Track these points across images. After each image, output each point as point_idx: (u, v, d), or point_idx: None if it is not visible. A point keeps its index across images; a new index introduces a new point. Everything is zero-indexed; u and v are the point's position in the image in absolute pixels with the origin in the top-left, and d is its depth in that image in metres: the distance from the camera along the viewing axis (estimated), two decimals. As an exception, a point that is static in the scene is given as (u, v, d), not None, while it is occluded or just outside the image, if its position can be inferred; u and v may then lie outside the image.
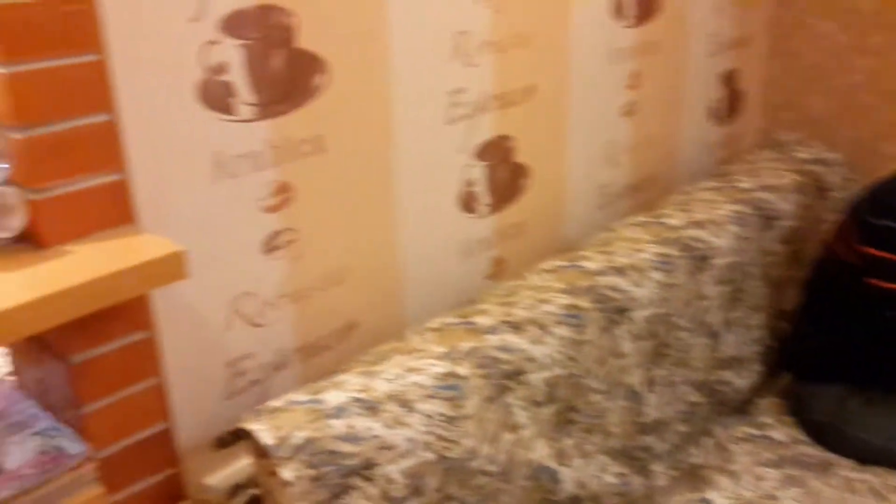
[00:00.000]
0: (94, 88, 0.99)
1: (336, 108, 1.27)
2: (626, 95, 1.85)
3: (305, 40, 1.21)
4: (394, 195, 1.41)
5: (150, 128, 1.07)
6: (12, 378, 1.22)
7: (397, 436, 1.11)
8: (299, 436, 1.05)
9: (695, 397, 1.64)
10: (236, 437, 1.18)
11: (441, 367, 1.20)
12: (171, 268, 0.99)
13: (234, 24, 1.12)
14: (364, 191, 1.36)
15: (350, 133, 1.31)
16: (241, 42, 1.13)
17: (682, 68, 2.01)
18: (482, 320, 1.33)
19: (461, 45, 1.44)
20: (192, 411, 1.22)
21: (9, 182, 0.97)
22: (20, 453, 1.08)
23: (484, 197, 1.59)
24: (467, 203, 1.56)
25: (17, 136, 0.94)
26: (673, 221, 1.72)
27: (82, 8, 0.96)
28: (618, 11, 1.75)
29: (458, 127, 1.49)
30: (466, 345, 1.25)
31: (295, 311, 1.32)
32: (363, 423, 1.09)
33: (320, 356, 1.39)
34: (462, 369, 1.21)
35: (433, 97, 1.43)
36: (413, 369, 1.19)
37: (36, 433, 1.11)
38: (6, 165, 0.94)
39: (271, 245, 1.26)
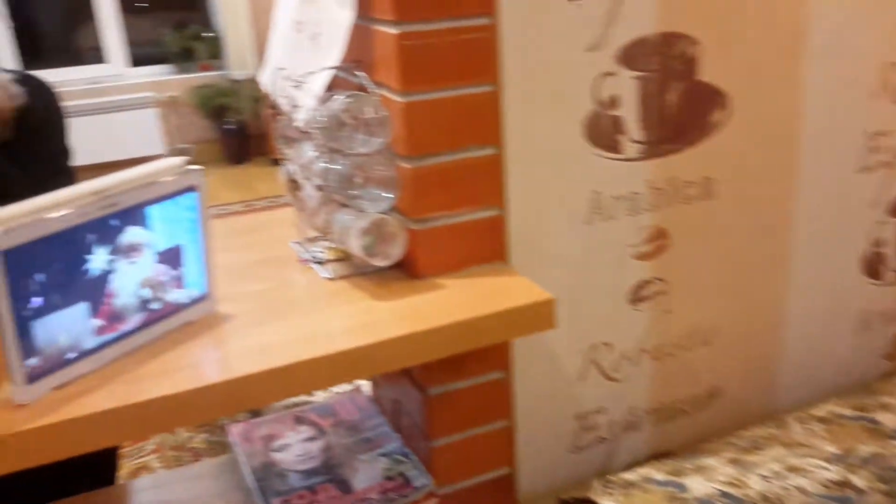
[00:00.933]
0: (486, 120, 0.94)
1: (733, 148, 1.11)
2: None
3: (707, 72, 1.06)
4: (787, 250, 1.20)
5: (533, 162, 1.00)
6: (369, 391, 1.24)
7: (768, 545, 0.93)
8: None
9: None
10: None
11: (831, 473, 0.99)
12: (540, 317, 0.91)
13: (632, 55, 1.01)
14: (752, 243, 1.18)
15: (745, 177, 1.13)
16: (638, 74, 1.02)
17: None
18: (887, 419, 1.08)
19: (891, 79, 1.19)
20: (535, 460, 1.14)
21: (393, 210, 0.96)
22: (368, 473, 1.07)
23: (893, 261, 1.31)
24: (872, 266, 1.29)
25: (407, 165, 0.92)
26: None
27: (483, 36, 0.92)
28: None
29: (873, 176, 1.24)
30: (866, 449, 1.02)
31: (654, 369, 1.19)
32: (728, 522, 0.93)
33: (675, 421, 1.23)
34: (859, 480, 0.98)
35: (848, 139, 1.19)
36: (795, 469, 0.99)
37: (384, 454, 1.11)
38: (392, 194, 0.93)
39: (638, 295, 1.14)
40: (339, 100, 0.90)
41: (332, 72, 0.92)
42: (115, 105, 5.32)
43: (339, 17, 0.92)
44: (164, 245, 0.84)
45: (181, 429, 2.51)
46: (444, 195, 0.94)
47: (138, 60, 5.57)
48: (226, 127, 5.46)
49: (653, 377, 1.19)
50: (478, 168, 0.95)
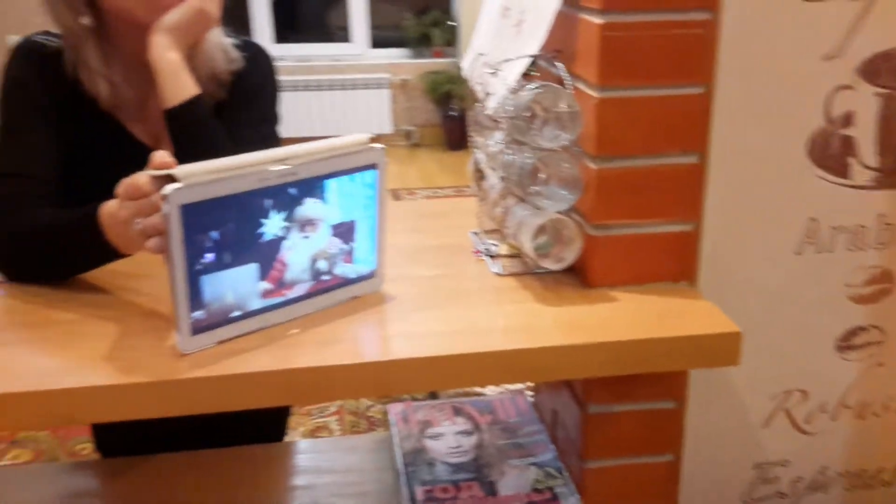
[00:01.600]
0: (691, 125, 0.85)
1: None
2: None
3: (972, 95, 0.89)
4: None
5: (740, 177, 0.90)
6: (531, 395, 1.19)
7: None
8: None
9: None
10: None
11: None
12: (722, 350, 0.82)
13: (876, 68, 0.87)
14: None
15: None
16: (880, 90, 0.88)
17: None
18: None
19: None
20: (700, 502, 1.04)
21: (573, 212, 0.90)
22: (516, 481, 1.03)
23: None
24: None
25: (594, 165, 0.85)
26: None
27: (699, 33, 0.83)
28: None
29: None
30: None
31: (854, 427, 1.03)
32: None
33: (872, 491, 1.07)
34: None
35: None
36: None
37: (536, 464, 1.05)
38: (574, 195, 0.87)
39: (848, 342, 0.99)
40: (531, 90, 0.85)
41: (529, 60, 0.87)
42: (353, 83, 5.61)
43: (546, 2, 0.87)
44: (338, 219, 0.84)
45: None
46: (632, 202, 0.87)
47: (378, 42, 5.84)
48: (449, 113, 5.60)
49: (852, 437, 1.04)
50: (674, 176, 0.87)
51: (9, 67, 1.06)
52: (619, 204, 0.86)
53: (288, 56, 5.54)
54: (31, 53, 1.06)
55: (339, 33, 5.86)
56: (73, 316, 0.86)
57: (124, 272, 0.95)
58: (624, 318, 0.84)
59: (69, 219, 0.91)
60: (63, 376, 0.75)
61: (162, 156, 0.76)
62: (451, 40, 5.78)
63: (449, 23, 5.78)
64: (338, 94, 5.60)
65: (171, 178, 0.71)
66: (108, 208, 0.85)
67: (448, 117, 5.65)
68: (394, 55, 5.83)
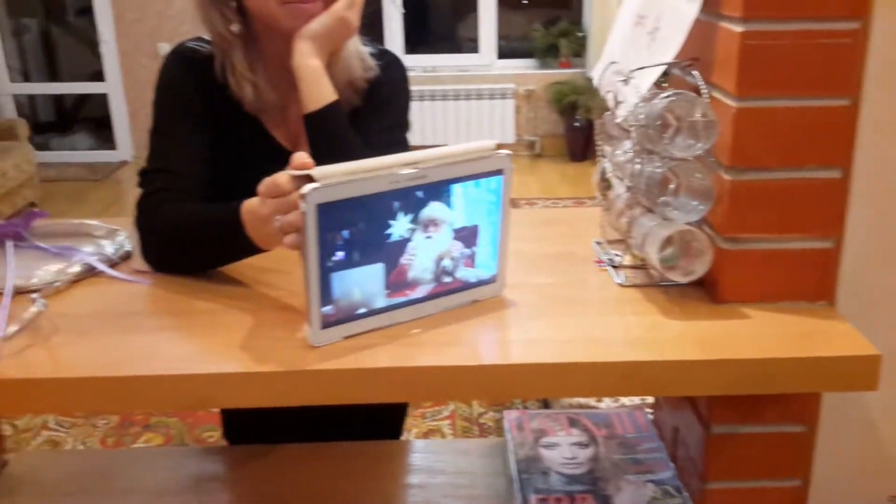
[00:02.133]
0: (835, 138, 0.81)
1: None
2: None
3: None
4: None
5: (886, 193, 0.85)
6: (650, 411, 1.16)
7: None
8: None
9: None
10: None
11: None
12: (858, 374, 0.77)
13: None
14: None
15: None
16: None
17: None
18: None
19: None
20: (827, 535, 0.98)
21: (702, 224, 0.87)
22: (632, 497, 1.00)
23: None
24: None
25: (728, 177, 0.83)
26: None
27: (846, 42, 0.78)
28: None
29: None
30: None
31: None
32: None
33: None
34: None
35: None
36: None
37: (654, 482, 1.03)
38: (705, 206, 0.84)
39: None
40: (665, 98, 0.83)
41: (664, 68, 0.85)
42: (478, 93, 5.67)
43: (684, 10, 0.85)
44: (461, 223, 0.85)
45: (475, 402, 2.61)
46: (768, 216, 0.83)
47: (505, 53, 5.87)
48: (574, 124, 5.55)
49: None
50: (814, 191, 0.83)
51: (163, 71, 1.14)
52: (753, 217, 0.83)
53: (417, 66, 5.66)
54: (183, 58, 1.13)
55: (467, 44, 5.93)
56: (212, 306, 0.91)
57: (262, 267, 0.99)
58: (754, 335, 0.81)
59: (213, 214, 0.96)
60: (200, 362, 0.79)
61: (301, 157, 0.80)
62: (578, 51, 5.74)
63: (578, 33, 5.74)
64: (462, 103, 5.67)
65: (309, 179, 0.74)
66: (250, 205, 0.89)
67: (572, 128, 5.60)
68: (520, 66, 5.85)
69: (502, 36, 5.81)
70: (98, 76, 5.95)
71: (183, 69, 1.12)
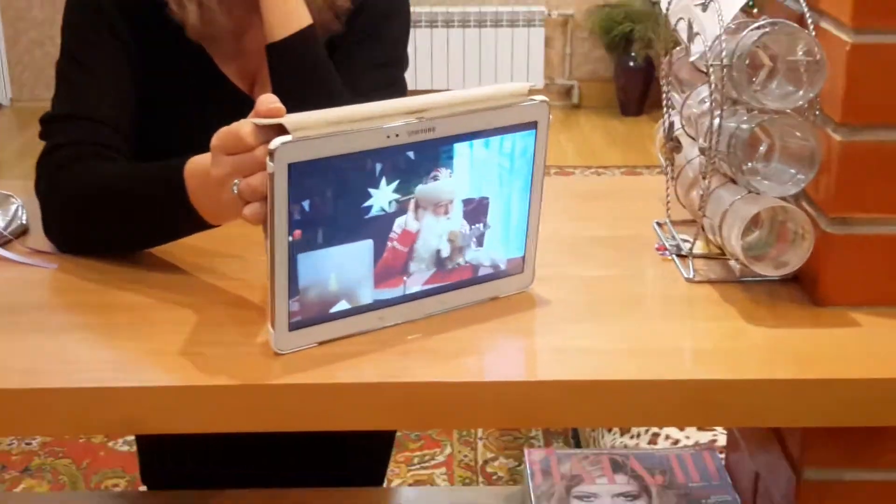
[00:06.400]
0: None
1: None
2: None
3: None
4: None
5: None
6: (721, 454, 1.19)
7: None
8: None
9: None
10: None
11: None
12: None
13: None
14: None
15: None
16: None
17: None
18: None
19: None
20: None
21: (802, 199, 0.90)
22: (700, 566, 1.03)
23: None
24: None
25: (839, 137, 0.85)
26: None
27: None
28: None
29: None
30: None
31: None
32: None
33: None
34: None
35: None
36: None
37: (728, 546, 1.06)
38: (807, 175, 0.86)
39: None
40: (756, 30, 0.85)
41: (755, -10, 0.88)
42: (496, 18, 5.64)
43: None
44: (477, 193, 0.87)
45: (481, 445, 2.63)
46: (890, 190, 0.86)
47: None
48: (628, 63, 5.54)
49: None
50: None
51: None
52: (871, 191, 0.86)
53: (413, -19, 5.64)
54: None
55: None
56: (141, 300, 0.93)
57: (206, 249, 1.01)
58: (869, 349, 0.84)
59: (144, 176, 0.97)
60: (125, 373, 0.81)
61: (270, 100, 0.80)
62: (633, -36, 5.74)
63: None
64: (472, 33, 5.66)
65: (280, 130, 0.75)
66: (197, 164, 0.90)
67: (625, 69, 5.60)
68: (554, -18, 5.85)
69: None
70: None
71: None
